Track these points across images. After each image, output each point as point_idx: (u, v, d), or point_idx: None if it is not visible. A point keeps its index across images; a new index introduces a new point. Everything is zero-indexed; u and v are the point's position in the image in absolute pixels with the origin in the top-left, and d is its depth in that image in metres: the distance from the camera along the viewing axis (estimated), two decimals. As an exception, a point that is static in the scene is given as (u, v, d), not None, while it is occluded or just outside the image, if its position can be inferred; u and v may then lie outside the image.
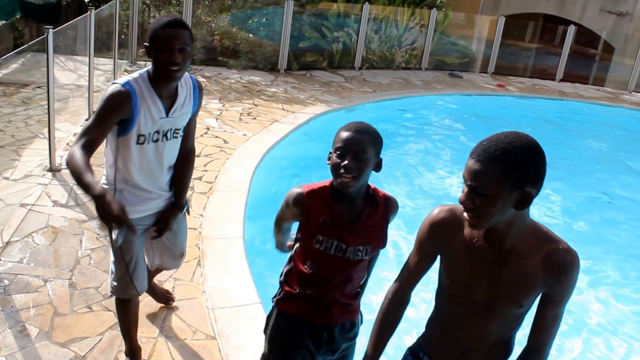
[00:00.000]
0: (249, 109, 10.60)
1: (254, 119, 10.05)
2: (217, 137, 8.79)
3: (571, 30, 17.51)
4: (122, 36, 12.40)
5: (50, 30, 6.54)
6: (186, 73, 3.48)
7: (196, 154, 4.07)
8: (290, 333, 2.99)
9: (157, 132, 3.43)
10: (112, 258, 3.71)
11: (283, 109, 10.90)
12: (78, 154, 2.96)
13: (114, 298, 4.40)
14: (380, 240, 2.91)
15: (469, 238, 2.36)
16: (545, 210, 8.71)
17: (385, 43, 16.31)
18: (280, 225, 3.11)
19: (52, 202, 6.13)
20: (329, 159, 2.75)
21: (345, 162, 2.64)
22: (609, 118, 14.66)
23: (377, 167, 2.76)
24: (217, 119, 9.62)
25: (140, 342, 4.20)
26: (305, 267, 2.90)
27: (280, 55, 14.25)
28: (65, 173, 6.78)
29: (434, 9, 16.60)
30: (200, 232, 5.91)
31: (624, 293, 6.72)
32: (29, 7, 14.14)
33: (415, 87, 14.67)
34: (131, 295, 3.79)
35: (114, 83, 3.31)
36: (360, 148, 2.66)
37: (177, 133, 3.57)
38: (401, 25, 16.49)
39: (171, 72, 3.25)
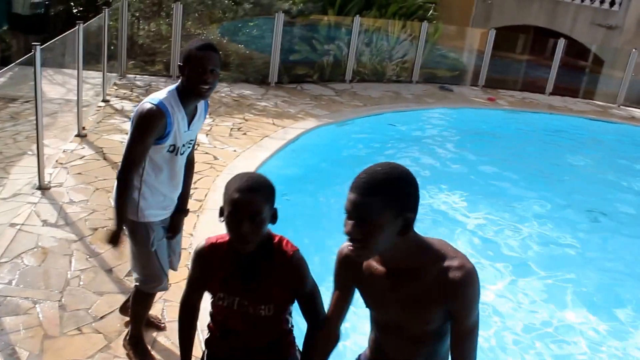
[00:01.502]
0: (240, 123, 10.58)
1: (244, 134, 10.04)
2: (207, 153, 8.75)
3: (561, 43, 17.58)
4: (112, 47, 12.35)
5: (38, 48, 6.48)
6: None
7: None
8: None
9: (183, 145, 3.80)
10: (140, 260, 4.02)
11: (273, 123, 10.89)
12: (129, 178, 3.65)
13: (103, 320, 4.56)
14: (288, 301, 2.82)
15: (370, 267, 2.46)
16: (531, 224, 8.73)
17: (376, 56, 16.35)
18: (194, 289, 2.96)
19: (42, 221, 6.10)
20: (222, 214, 2.64)
21: (242, 228, 2.54)
22: (597, 133, 14.70)
23: (273, 218, 2.67)
24: (207, 135, 9.58)
25: (130, 364, 4.25)
26: (218, 318, 2.91)
27: (271, 68, 14.23)
28: (55, 191, 6.75)
29: (425, 21, 16.63)
30: (190, 252, 5.86)
31: (607, 308, 6.74)
32: (17, 19, 14.03)
33: (406, 100, 14.68)
34: (162, 288, 4.22)
35: (146, 102, 3.61)
36: (255, 210, 2.54)
37: (191, 144, 3.96)
38: (392, 38, 16.52)
39: (202, 91, 3.59)
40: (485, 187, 10.10)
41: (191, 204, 6.80)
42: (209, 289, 2.82)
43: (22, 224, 5.98)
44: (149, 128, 3.54)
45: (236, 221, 2.53)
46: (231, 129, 10.19)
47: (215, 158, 8.61)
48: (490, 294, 6.57)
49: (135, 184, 3.79)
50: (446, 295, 2.29)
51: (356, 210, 2.20)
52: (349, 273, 2.55)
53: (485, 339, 5.71)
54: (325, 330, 2.72)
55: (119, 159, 7.49)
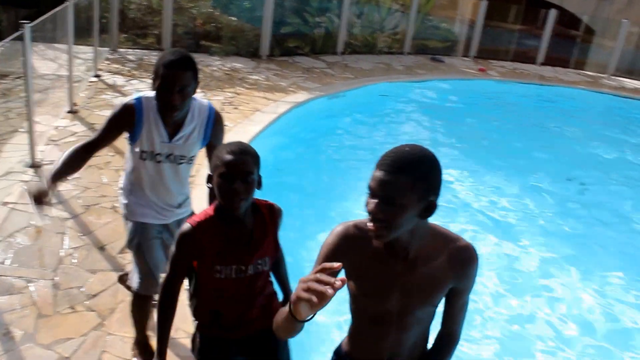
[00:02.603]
0: (231, 98, 10.60)
1: (236, 108, 10.05)
2: (198, 128, 8.74)
3: (552, 13, 17.55)
4: (103, 21, 12.28)
5: (27, 27, 6.47)
6: (205, 102, 3.68)
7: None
8: (218, 353, 3.07)
9: (159, 154, 3.59)
10: (133, 259, 3.91)
11: (265, 97, 10.90)
12: (71, 150, 3.52)
13: (97, 298, 4.63)
14: (274, 249, 2.98)
15: (375, 252, 2.38)
16: (521, 196, 8.82)
17: (367, 27, 16.31)
18: (176, 272, 2.92)
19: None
20: (209, 180, 2.78)
21: (235, 186, 2.67)
22: (588, 103, 14.75)
23: (259, 184, 2.81)
24: (198, 109, 9.56)
25: (122, 340, 4.34)
26: (210, 297, 2.95)
27: (262, 41, 14.20)
28: (47, 169, 6.76)
29: (416, -9, 16.59)
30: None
31: (600, 280, 6.84)
32: (6, -8, 13.92)
33: (397, 72, 14.71)
34: (155, 292, 3.89)
35: (130, 96, 3.56)
36: (247, 170, 2.69)
37: (184, 159, 3.68)
38: (383, 9, 16.47)
39: (169, 111, 3.40)
40: (475, 157, 10.17)
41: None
42: (203, 268, 2.85)
43: (15, 203, 6.02)
44: (113, 119, 3.53)
45: (229, 181, 2.67)
46: (223, 103, 10.19)
47: (207, 133, 8.61)
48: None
49: (126, 185, 3.80)
50: (458, 273, 2.41)
51: (382, 189, 2.14)
52: (345, 257, 2.34)
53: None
54: None
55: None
